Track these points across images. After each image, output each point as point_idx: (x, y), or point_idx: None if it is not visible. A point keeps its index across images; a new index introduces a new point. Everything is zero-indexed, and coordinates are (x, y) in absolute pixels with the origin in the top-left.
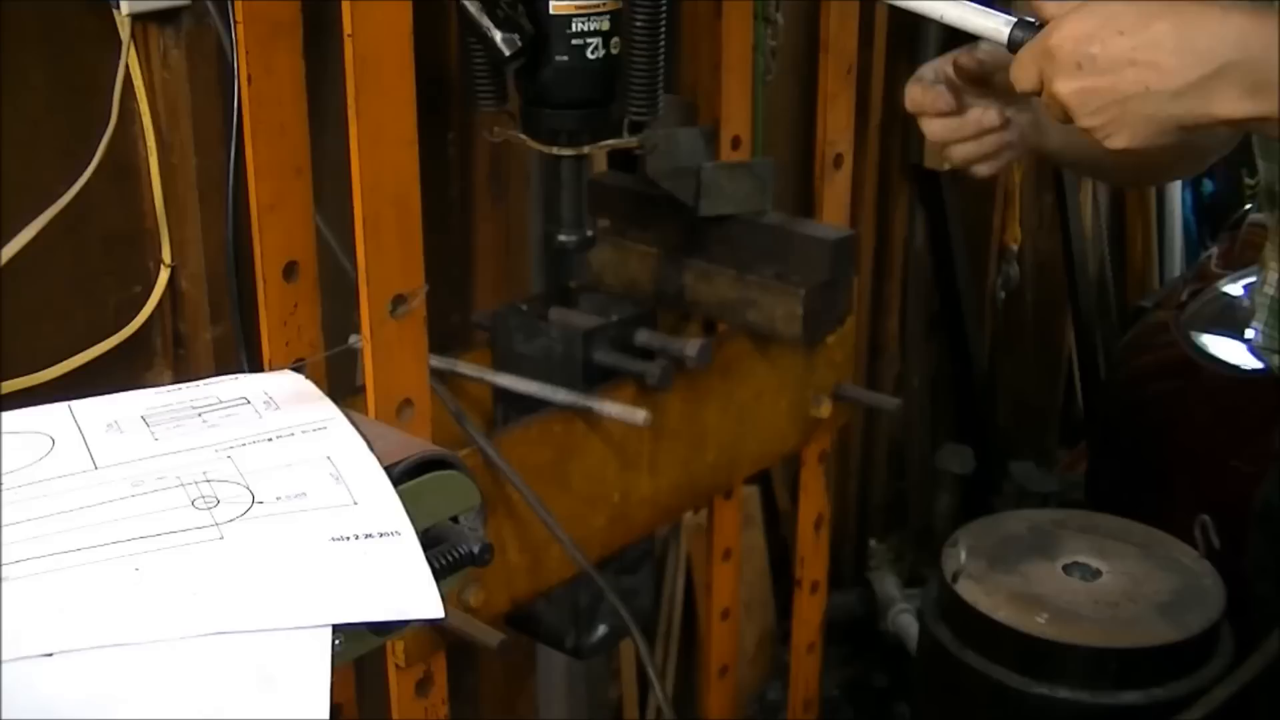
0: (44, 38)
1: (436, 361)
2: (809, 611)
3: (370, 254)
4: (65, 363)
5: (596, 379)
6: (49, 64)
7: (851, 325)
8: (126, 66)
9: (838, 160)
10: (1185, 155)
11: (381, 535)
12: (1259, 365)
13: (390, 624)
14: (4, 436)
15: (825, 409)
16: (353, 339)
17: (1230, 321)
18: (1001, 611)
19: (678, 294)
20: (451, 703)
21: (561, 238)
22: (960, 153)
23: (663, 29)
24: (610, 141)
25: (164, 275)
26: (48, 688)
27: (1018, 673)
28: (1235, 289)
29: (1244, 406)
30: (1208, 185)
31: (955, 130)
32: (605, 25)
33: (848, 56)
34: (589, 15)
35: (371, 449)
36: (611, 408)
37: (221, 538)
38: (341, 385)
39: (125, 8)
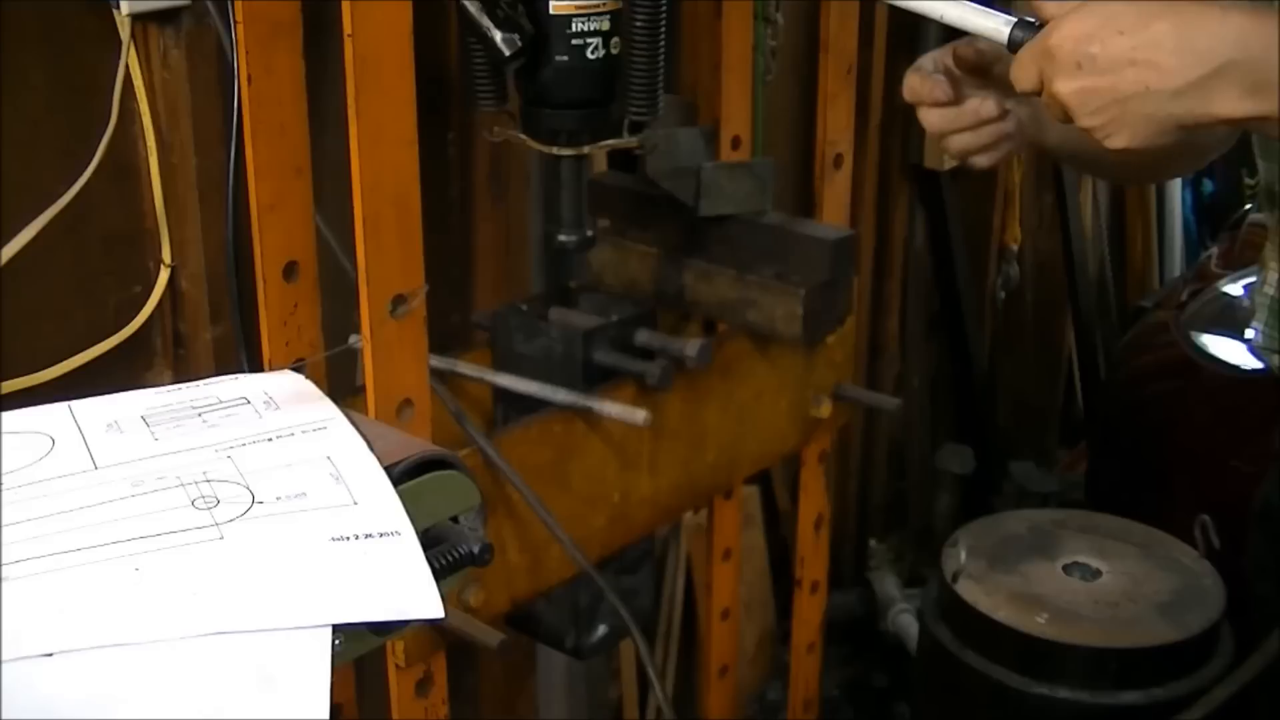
0: (44, 38)
1: (436, 361)
2: (809, 611)
3: (370, 254)
4: (65, 363)
5: (596, 379)
6: (49, 64)
7: (851, 325)
8: (126, 66)
9: (838, 160)
10: (1185, 153)
11: (381, 535)
12: (1259, 365)
13: (390, 624)
14: (4, 436)
15: (825, 409)
16: (353, 339)
17: (1230, 321)
18: (1001, 611)
19: (678, 294)
20: (451, 703)
21: (561, 238)
22: (958, 143)
23: (663, 29)
24: (610, 141)
25: (164, 275)
26: (48, 688)
27: (1018, 673)
28: (1235, 289)
29: (1244, 406)
30: (1208, 185)
31: (953, 121)
32: (605, 25)
33: (848, 56)
34: (589, 15)
35: (371, 449)
36: (611, 408)
37: (221, 538)
38: (341, 385)
39: (125, 8)
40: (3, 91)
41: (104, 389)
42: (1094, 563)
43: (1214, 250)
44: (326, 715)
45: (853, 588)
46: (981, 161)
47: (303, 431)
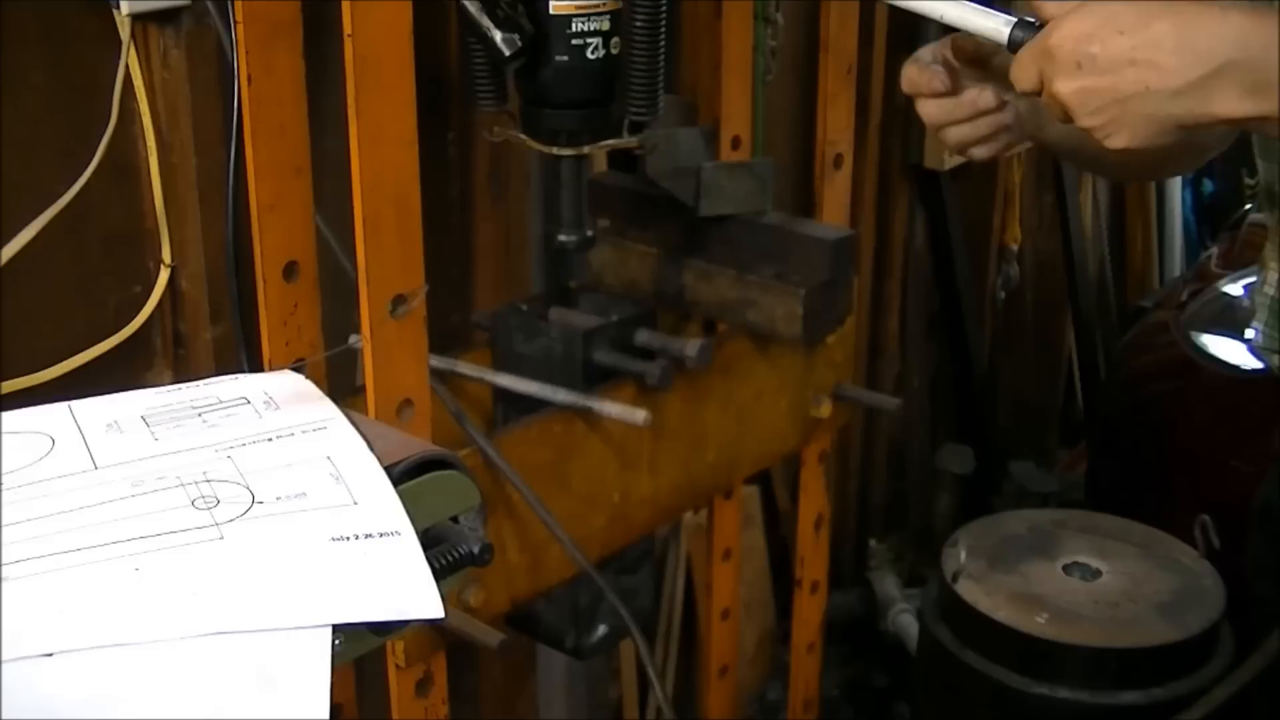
0: (44, 38)
1: (436, 361)
2: (809, 611)
3: (370, 254)
4: (65, 363)
5: (596, 379)
6: (49, 64)
7: (851, 325)
8: (126, 66)
9: (838, 160)
10: (1184, 152)
11: (381, 535)
12: (1259, 365)
13: (390, 624)
14: (4, 436)
15: (825, 409)
16: (353, 339)
17: (1230, 321)
18: (1001, 611)
19: (678, 294)
20: (451, 703)
21: (561, 238)
22: (955, 135)
23: (663, 29)
24: (610, 141)
25: (164, 275)
26: (48, 688)
27: (1018, 673)
28: (1235, 289)
29: (1244, 406)
30: (1208, 185)
31: (950, 112)
32: (605, 25)
33: (848, 56)
34: (589, 15)
35: (371, 449)
36: (611, 408)
37: (221, 538)
38: (341, 385)
39: (125, 8)
40: (3, 91)
41: (104, 389)
42: (1094, 563)
43: (1214, 250)
44: (326, 715)
45: (853, 588)
46: (980, 153)
47: (303, 431)
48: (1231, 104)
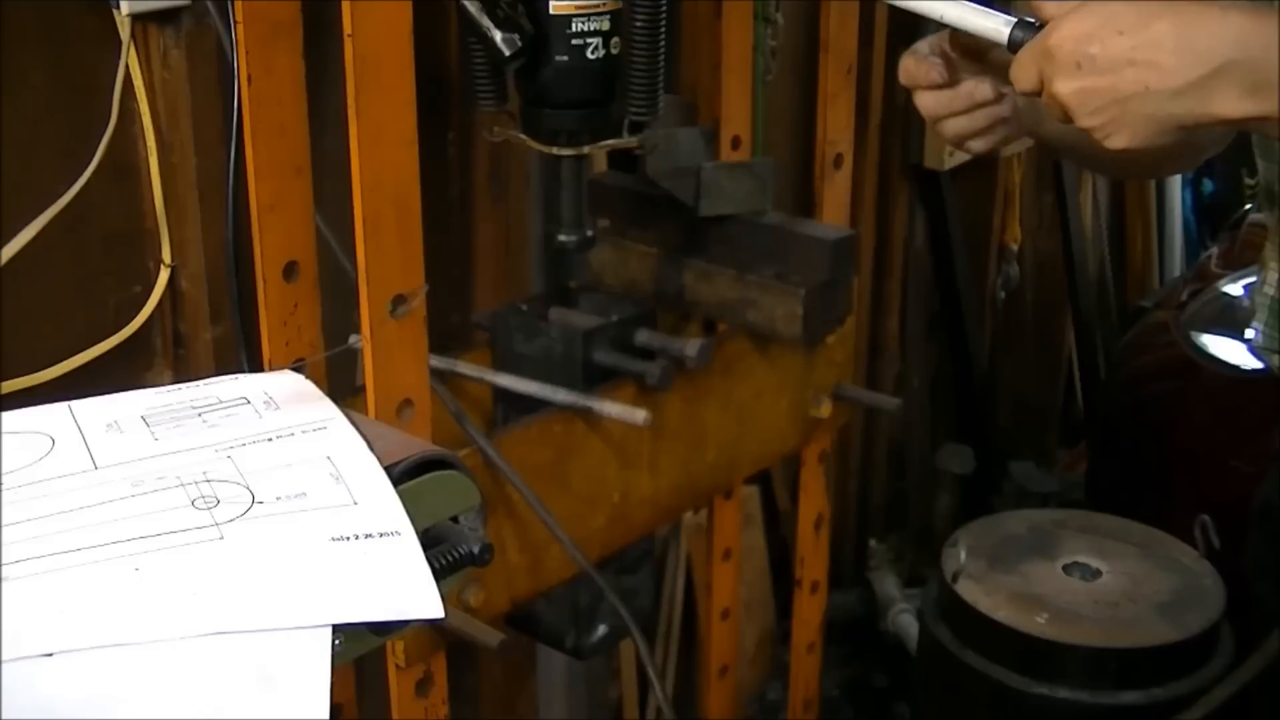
0: (44, 38)
1: (436, 361)
2: (809, 611)
3: (370, 254)
4: (65, 363)
5: (596, 379)
6: (49, 64)
7: (851, 325)
8: (126, 66)
9: (838, 160)
10: (1182, 151)
11: (381, 535)
12: (1259, 365)
13: (390, 624)
14: (4, 436)
15: (825, 409)
16: (353, 339)
17: (1230, 321)
18: (1001, 611)
19: (678, 294)
20: (451, 703)
21: (561, 238)
22: (952, 127)
23: (663, 29)
24: (610, 141)
25: (164, 275)
26: (48, 688)
27: (1018, 673)
28: (1235, 289)
29: (1244, 406)
30: (1208, 185)
31: (947, 104)
32: (605, 25)
33: (848, 56)
34: (589, 15)
35: (371, 449)
36: (611, 408)
37: (221, 538)
38: (341, 385)
39: (125, 8)
40: (3, 91)
41: (104, 389)
42: (1094, 563)
43: (1214, 250)
44: (326, 715)
45: (853, 588)
46: (977, 146)
47: (303, 431)
48: (1231, 104)
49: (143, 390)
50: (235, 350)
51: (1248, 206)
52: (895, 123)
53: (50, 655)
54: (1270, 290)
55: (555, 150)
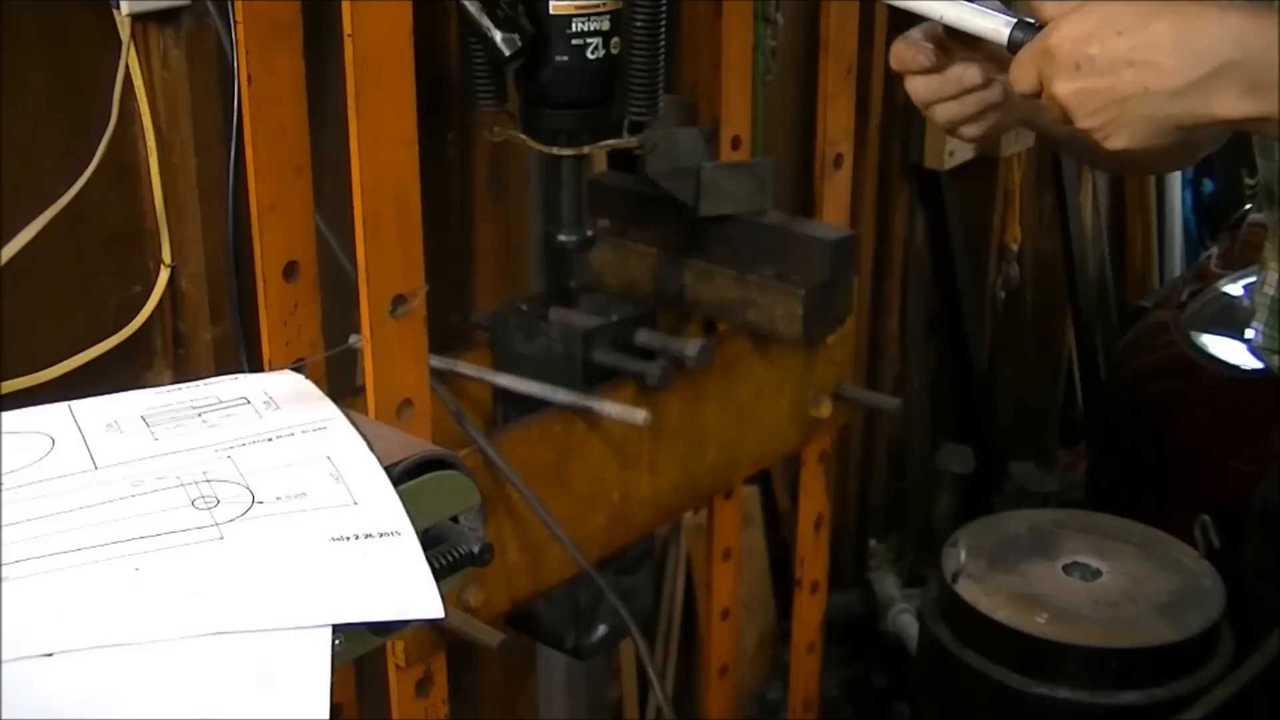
0: (44, 38)
1: (436, 361)
2: (809, 611)
3: (370, 254)
4: (65, 363)
5: (596, 379)
6: (49, 64)
7: (851, 325)
8: (126, 66)
9: (838, 160)
10: (1181, 148)
11: (381, 535)
12: (1259, 365)
13: (390, 624)
14: (4, 436)
15: (825, 409)
16: (353, 339)
17: (1230, 321)
18: (1001, 611)
19: (678, 294)
20: (451, 703)
21: (561, 238)
22: (943, 113)
23: (663, 29)
24: (610, 141)
25: (164, 275)
26: (48, 688)
27: (1018, 673)
28: (1235, 289)
29: (1244, 406)
30: (1208, 185)
31: (936, 89)
32: (605, 25)
33: (848, 56)
34: (589, 15)
35: (371, 449)
36: (611, 408)
37: (221, 538)
38: (341, 385)
39: (125, 8)
40: (3, 91)
41: (104, 389)
42: (1094, 563)
43: (1214, 250)
44: (326, 715)
45: (853, 588)
46: (969, 132)
47: (303, 431)
48: (1231, 104)
49: (143, 390)
50: (235, 350)
51: (1248, 206)
52: (895, 123)
53: (50, 655)
54: (1270, 290)
55: (555, 150)
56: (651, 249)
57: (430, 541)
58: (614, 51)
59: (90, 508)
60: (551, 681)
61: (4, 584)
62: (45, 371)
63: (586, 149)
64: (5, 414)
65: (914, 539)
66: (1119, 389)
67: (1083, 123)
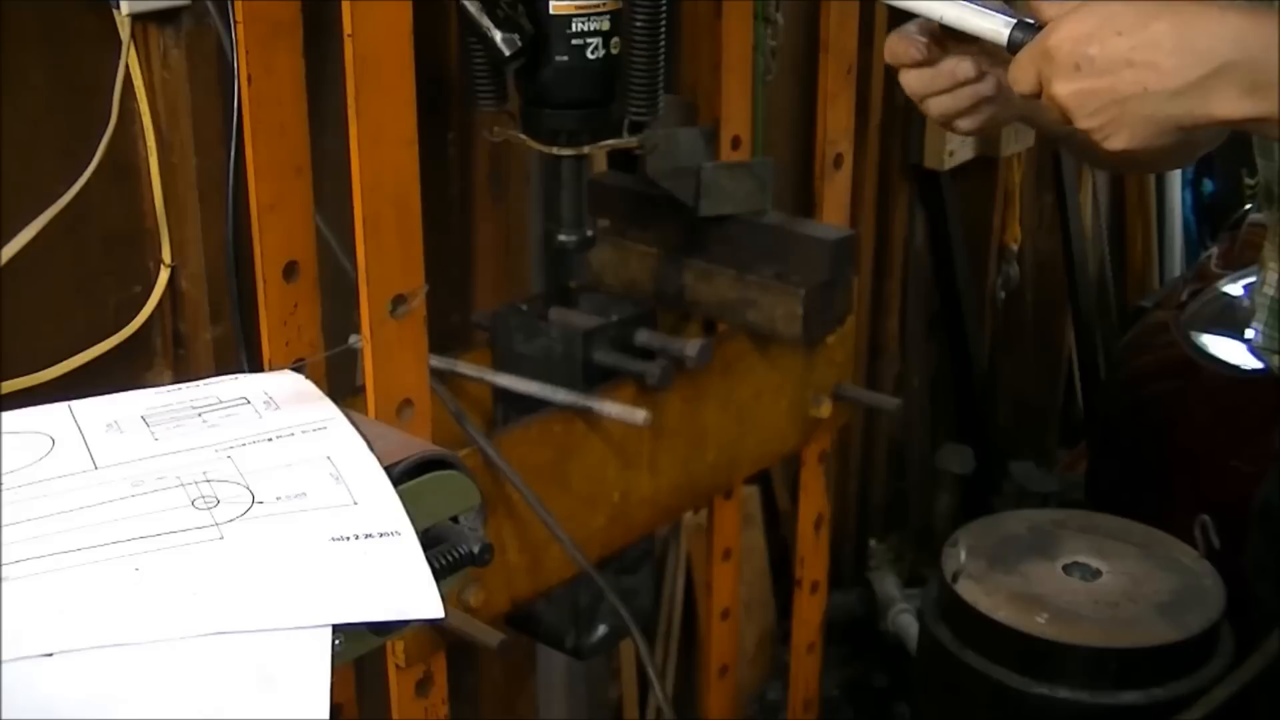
0: (44, 38)
1: (436, 361)
2: (809, 611)
3: (370, 254)
4: (65, 363)
5: (596, 379)
6: (49, 64)
7: (851, 325)
8: (126, 66)
9: (838, 160)
10: (1180, 148)
11: (381, 535)
12: (1259, 365)
13: (390, 624)
14: (4, 436)
15: (825, 409)
16: (353, 339)
17: (1230, 321)
18: (1001, 611)
19: (678, 294)
20: (451, 703)
21: (561, 238)
22: (937, 107)
23: (663, 29)
24: (610, 141)
25: (164, 275)
26: (48, 688)
27: (1018, 673)
28: (1235, 289)
29: (1244, 406)
30: (1208, 185)
31: (930, 83)
32: (605, 25)
33: (848, 56)
34: (589, 15)
35: (371, 449)
36: (611, 408)
37: (221, 538)
38: (341, 385)
39: (125, 8)
40: (3, 91)
41: (104, 389)
42: (1094, 563)
43: (1214, 250)
44: (326, 715)
45: (853, 588)
46: (964, 125)
47: (303, 431)
48: (1230, 105)
49: (143, 390)
50: (235, 350)
51: (1248, 206)
52: (895, 123)
53: (50, 655)
54: (1270, 290)
55: (555, 150)
56: (651, 249)
57: (430, 541)
58: (614, 51)
59: (90, 508)
60: (551, 681)
61: (4, 584)
62: (45, 371)
63: (586, 149)
64: (5, 414)
65: (914, 539)
66: (1119, 389)
67: (1082, 123)
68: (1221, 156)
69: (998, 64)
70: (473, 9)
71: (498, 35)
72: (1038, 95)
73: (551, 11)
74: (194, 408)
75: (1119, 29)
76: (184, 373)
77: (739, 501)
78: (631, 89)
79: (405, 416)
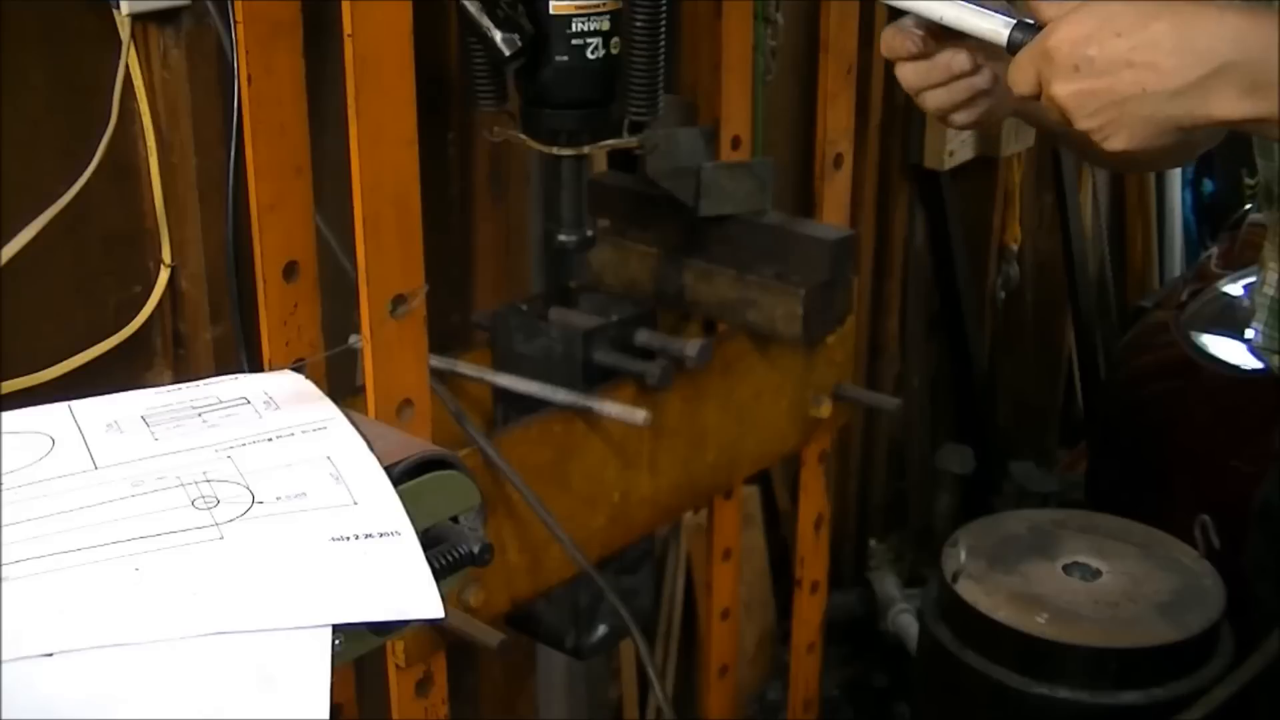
0: (44, 38)
1: (436, 361)
2: (809, 611)
3: (370, 254)
4: (65, 363)
5: (596, 379)
6: (49, 64)
7: (851, 325)
8: (126, 66)
9: (838, 160)
10: (1178, 148)
11: (381, 535)
12: (1259, 365)
13: (390, 624)
14: (4, 436)
15: (825, 409)
16: (353, 339)
17: (1230, 321)
18: (1001, 611)
19: (678, 294)
20: (451, 703)
21: (561, 238)
22: (932, 100)
23: (663, 29)
24: (610, 141)
25: (164, 275)
26: (48, 688)
27: (1018, 673)
28: (1235, 289)
29: (1244, 406)
30: (1208, 185)
31: (925, 76)
32: (605, 25)
33: (848, 56)
34: (589, 15)
35: (371, 449)
36: (611, 408)
37: (221, 538)
38: (341, 385)
39: (125, 8)
40: (3, 91)
41: (104, 389)
42: (1094, 563)
43: (1214, 250)
44: (326, 715)
45: (853, 588)
46: (960, 119)
47: (303, 431)
48: (1230, 105)
49: (143, 390)
50: (235, 350)
51: (1248, 206)
52: (895, 123)
53: (50, 655)
54: (1270, 290)
55: (555, 150)
56: (651, 249)
57: (430, 541)
58: (614, 51)
59: (90, 508)
60: (551, 681)
61: (4, 584)
62: (45, 371)
63: (586, 149)
64: (5, 414)
65: (914, 539)
66: (1119, 389)
67: (1082, 124)
68: (1221, 156)
69: (993, 57)
70: (473, 9)
71: (498, 35)
72: (1037, 96)
73: (551, 11)
74: (194, 408)
75: (1118, 30)
76: (184, 373)
77: (739, 501)
78: (631, 89)
79: (405, 416)
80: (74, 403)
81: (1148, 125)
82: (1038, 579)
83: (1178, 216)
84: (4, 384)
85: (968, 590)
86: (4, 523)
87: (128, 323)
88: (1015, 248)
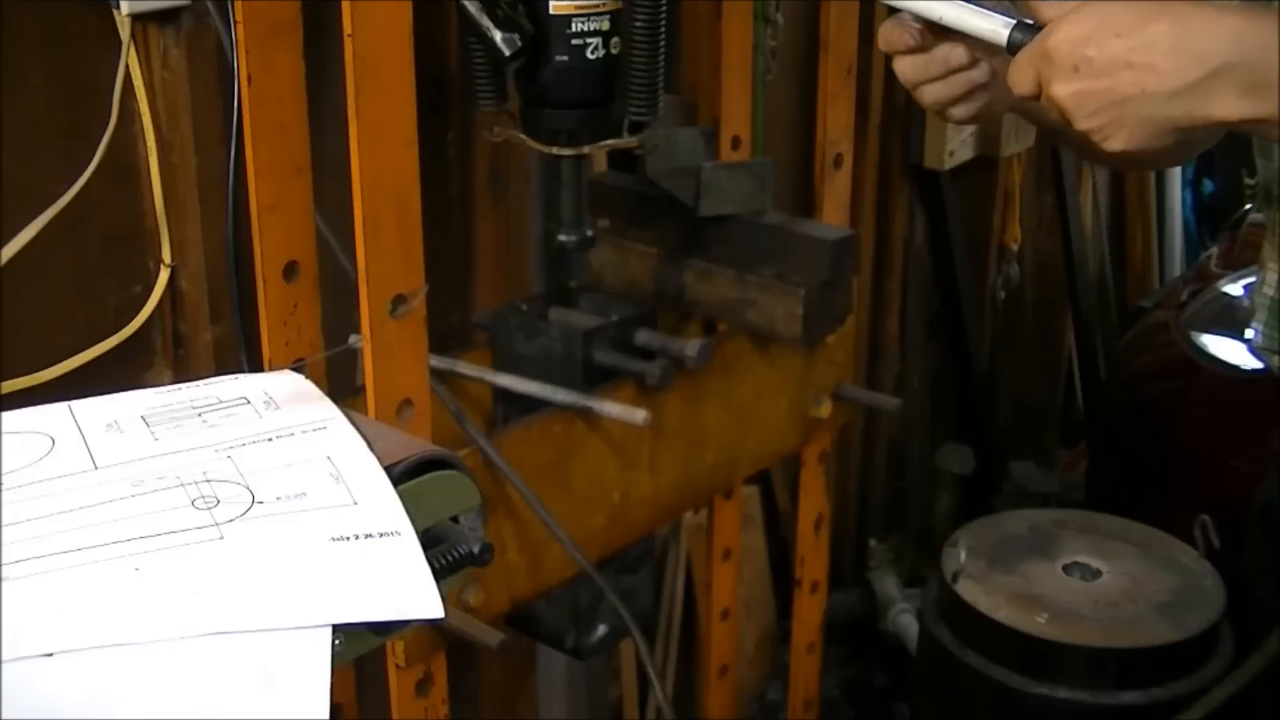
0: (44, 38)
1: (436, 361)
2: (809, 611)
3: (370, 254)
4: (65, 363)
5: (596, 379)
6: (49, 64)
7: (851, 325)
8: (126, 66)
9: (838, 160)
10: (1177, 147)
11: (381, 535)
12: (1259, 365)
13: (390, 624)
14: (4, 436)
15: (825, 409)
16: (353, 339)
17: (1230, 321)
18: (1001, 611)
19: (678, 294)
20: (451, 703)
21: (561, 238)
22: (930, 94)
23: (663, 29)
24: (610, 141)
25: (164, 275)
26: (48, 688)
27: (1018, 673)
28: (1235, 289)
29: (1244, 406)
30: (1208, 185)
31: (923, 69)
32: (605, 25)
33: (848, 56)
34: (589, 15)
35: (371, 449)
36: (611, 408)
37: (221, 538)
38: (341, 385)
39: (125, 8)
40: (3, 91)
41: (104, 389)
42: (1094, 563)
43: (1214, 250)
44: (326, 715)
45: (853, 588)
46: (958, 113)
47: (303, 431)
48: (1229, 105)
49: (143, 390)
50: (235, 350)
51: (1248, 206)
52: (895, 123)
53: (50, 655)
54: (1270, 290)
55: (555, 150)
56: (651, 249)
57: (430, 541)
58: (614, 51)
59: (90, 508)
60: (551, 681)
61: (4, 584)
62: (45, 371)
63: (586, 149)
64: (5, 414)
65: (914, 539)
66: (1119, 389)
67: (1081, 124)
68: (1221, 156)
69: (991, 52)
70: (473, 9)
71: (498, 35)
72: (1037, 96)
73: (551, 11)
74: (194, 408)
75: (1117, 30)
76: (184, 373)
77: (739, 501)
78: (631, 89)
79: (405, 416)
80: (74, 403)
81: (1147, 126)
82: (1038, 579)
83: (1178, 216)
84: (4, 384)
85: (968, 590)
86: (4, 523)
87: (128, 323)
88: (1015, 248)
